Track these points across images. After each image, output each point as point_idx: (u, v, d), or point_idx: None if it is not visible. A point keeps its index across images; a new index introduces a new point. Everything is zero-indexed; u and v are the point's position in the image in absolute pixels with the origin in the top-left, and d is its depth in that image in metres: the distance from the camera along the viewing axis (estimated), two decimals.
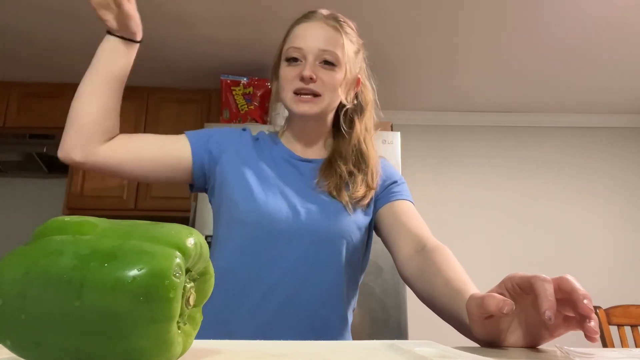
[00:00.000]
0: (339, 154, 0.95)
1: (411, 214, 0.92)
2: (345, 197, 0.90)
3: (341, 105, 0.96)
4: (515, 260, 3.13)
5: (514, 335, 0.55)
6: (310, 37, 0.88)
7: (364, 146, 0.96)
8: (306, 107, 0.88)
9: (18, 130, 2.84)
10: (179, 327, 0.35)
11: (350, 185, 0.92)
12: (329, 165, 0.94)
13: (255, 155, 0.95)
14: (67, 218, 0.37)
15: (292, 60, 0.89)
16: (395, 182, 0.98)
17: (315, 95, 0.88)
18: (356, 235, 0.89)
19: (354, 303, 0.93)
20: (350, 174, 0.93)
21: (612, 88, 2.97)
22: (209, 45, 2.55)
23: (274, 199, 0.87)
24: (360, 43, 0.98)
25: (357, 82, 0.97)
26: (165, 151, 0.89)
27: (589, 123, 3.36)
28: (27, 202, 3.14)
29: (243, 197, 0.87)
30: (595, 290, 3.04)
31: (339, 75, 0.90)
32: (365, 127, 0.98)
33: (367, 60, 1.01)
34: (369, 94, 1.00)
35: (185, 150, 0.91)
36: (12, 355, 0.35)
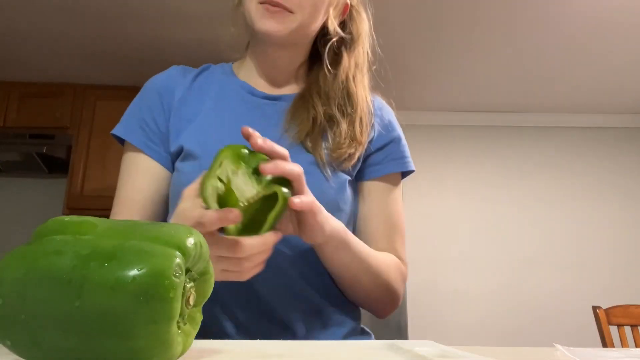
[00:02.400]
0: (317, 89, 0.75)
1: (392, 210, 0.76)
2: (320, 151, 0.71)
3: (322, 34, 0.76)
4: (515, 260, 3.13)
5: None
6: None
7: (352, 85, 0.75)
8: (273, 24, 0.68)
9: (18, 130, 2.85)
10: (179, 327, 0.35)
11: (329, 136, 0.73)
12: (302, 102, 0.74)
13: (197, 98, 0.76)
14: (67, 218, 0.37)
15: None
16: (391, 140, 0.79)
17: (286, 9, 0.68)
18: (335, 205, 0.70)
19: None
20: (331, 118, 0.73)
21: (612, 88, 2.97)
22: (209, 45, 2.54)
23: None
24: None
25: (345, 7, 0.77)
26: (151, 194, 0.73)
27: (589, 123, 3.36)
28: (27, 202, 3.14)
29: (186, 169, 0.70)
30: (595, 290, 3.04)
31: None
32: (355, 63, 0.77)
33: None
34: (363, 25, 0.80)
35: (153, 169, 0.73)
36: (12, 355, 0.35)
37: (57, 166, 2.98)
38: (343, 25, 0.78)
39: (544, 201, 3.25)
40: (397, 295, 0.74)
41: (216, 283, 0.41)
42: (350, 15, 0.79)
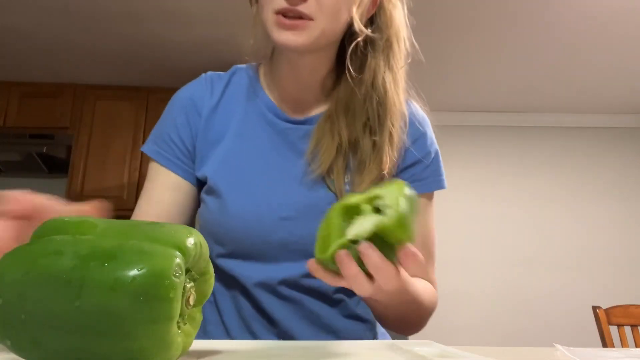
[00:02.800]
0: (343, 106, 0.69)
1: (425, 233, 0.73)
2: (342, 187, 0.66)
3: (349, 33, 0.67)
4: (516, 260, 3.13)
5: None
6: None
7: (381, 93, 0.67)
8: (290, 36, 0.61)
9: (18, 130, 2.85)
10: (179, 327, 0.35)
11: (352, 166, 0.68)
12: (328, 125, 0.68)
13: (222, 121, 0.72)
14: (67, 218, 0.37)
15: None
16: (424, 156, 0.72)
17: (304, 18, 0.61)
18: None
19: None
20: (355, 144, 0.67)
21: (612, 88, 2.97)
22: (209, 45, 2.55)
23: (253, 204, 0.67)
24: None
25: (374, 0, 0.68)
26: (168, 206, 0.72)
27: (589, 123, 3.37)
28: None
29: (214, 213, 0.69)
30: (595, 290, 3.04)
31: None
32: (385, 64, 0.68)
33: None
34: (395, 14, 0.69)
35: (174, 182, 0.72)
36: (12, 355, 0.35)
37: (57, 166, 2.98)
38: (373, 19, 0.69)
39: (544, 201, 3.25)
40: (422, 325, 0.71)
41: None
42: (381, 5, 0.69)
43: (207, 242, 0.79)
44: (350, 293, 0.74)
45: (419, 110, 0.78)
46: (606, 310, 1.57)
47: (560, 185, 3.28)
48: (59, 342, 0.31)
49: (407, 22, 0.72)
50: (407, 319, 0.66)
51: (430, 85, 2.97)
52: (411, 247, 0.42)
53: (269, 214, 0.67)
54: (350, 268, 0.41)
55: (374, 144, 0.67)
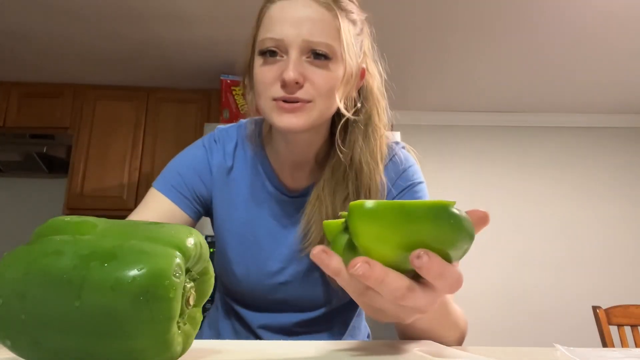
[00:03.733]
0: (329, 185, 0.73)
1: None
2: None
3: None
4: (515, 260, 3.13)
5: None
6: (293, 22, 0.63)
7: (358, 167, 0.72)
8: (292, 120, 0.64)
9: (18, 130, 2.85)
10: (179, 327, 0.35)
11: None
12: (317, 206, 0.73)
13: (237, 187, 0.78)
14: (67, 218, 0.37)
15: (268, 53, 0.65)
16: (402, 189, 0.76)
17: (304, 102, 0.65)
18: (340, 299, 0.78)
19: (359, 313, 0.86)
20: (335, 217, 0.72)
21: (612, 88, 2.97)
22: (209, 45, 2.55)
23: (256, 269, 0.76)
24: (363, 18, 0.73)
25: (362, 74, 0.72)
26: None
27: (589, 123, 3.37)
28: (27, 202, 3.14)
29: (224, 268, 0.79)
30: (595, 290, 3.04)
31: (335, 72, 0.65)
32: (365, 137, 0.73)
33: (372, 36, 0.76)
34: (376, 87, 0.75)
35: (171, 211, 0.75)
36: (12, 355, 0.35)
37: (57, 166, 2.98)
38: (359, 91, 0.74)
39: (544, 201, 3.25)
40: (462, 341, 0.68)
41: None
42: (365, 79, 0.74)
43: (218, 285, 0.82)
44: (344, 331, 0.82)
45: (403, 153, 0.79)
46: (606, 310, 1.57)
47: (560, 185, 3.28)
48: (59, 342, 0.31)
49: (384, 92, 0.76)
50: (440, 337, 0.60)
51: (430, 85, 2.97)
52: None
53: (269, 280, 0.76)
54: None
55: None
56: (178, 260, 0.33)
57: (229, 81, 2.63)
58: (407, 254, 0.35)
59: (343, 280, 0.38)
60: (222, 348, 0.45)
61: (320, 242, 0.72)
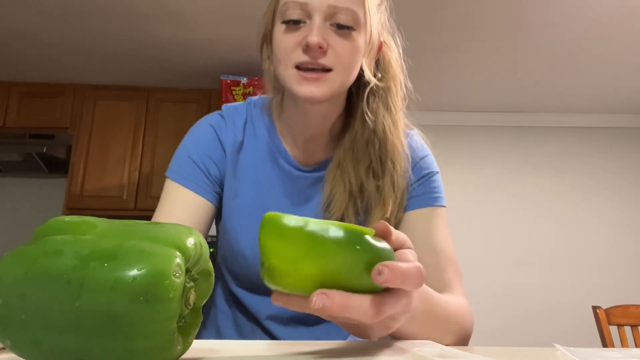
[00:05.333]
0: (350, 153, 0.72)
1: (436, 239, 0.71)
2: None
3: (357, 79, 0.70)
4: (515, 260, 3.13)
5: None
6: None
7: (382, 137, 0.71)
8: (313, 89, 0.63)
9: (18, 130, 2.85)
10: (179, 327, 0.35)
11: (361, 210, 0.71)
12: (339, 174, 0.71)
13: (248, 164, 0.75)
14: (67, 218, 0.37)
15: (291, 22, 0.64)
16: (420, 178, 0.75)
17: (325, 70, 0.64)
18: None
19: None
20: (361, 188, 0.70)
21: (612, 88, 2.97)
22: (209, 45, 2.55)
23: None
24: None
25: (380, 46, 0.72)
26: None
27: (589, 123, 3.37)
28: (27, 202, 3.14)
29: (232, 251, 0.75)
30: (595, 290, 3.04)
31: (358, 42, 0.65)
32: (386, 107, 0.72)
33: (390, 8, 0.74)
34: (394, 60, 0.74)
35: (194, 201, 0.72)
36: (12, 355, 0.35)
37: (57, 166, 2.98)
38: (376, 63, 0.73)
39: (545, 201, 3.25)
40: (468, 338, 0.67)
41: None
42: (382, 51, 0.74)
43: (224, 273, 0.80)
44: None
45: (418, 140, 0.80)
46: (606, 310, 1.57)
47: (560, 185, 3.28)
48: (59, 342, 0.31)
49: (403, 65, 0.76)
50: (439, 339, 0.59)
51: (431, 85, 2.97)
52: (381, 222, 0.41)
53: None
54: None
55: (377, 188, 0.70)
56: (178, 260, 0.33)
57: (229, 81, 2.63)
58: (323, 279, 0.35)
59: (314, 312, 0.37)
60: (222, 348, 0.45)
61: (345, 211, 0.70)
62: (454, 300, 0.66)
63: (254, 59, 2.77)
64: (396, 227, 0.73)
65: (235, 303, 0.79)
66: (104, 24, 2.37)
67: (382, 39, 0.72)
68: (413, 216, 0.74)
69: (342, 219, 0.70)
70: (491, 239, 3.18)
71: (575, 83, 2.91)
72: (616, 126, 3.38)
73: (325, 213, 0.71)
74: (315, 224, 0.36)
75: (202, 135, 0.76)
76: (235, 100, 2.62)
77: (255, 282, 0.74)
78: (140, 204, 2.77)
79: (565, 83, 2.91)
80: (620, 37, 2.40)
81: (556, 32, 2.37)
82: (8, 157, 2.86)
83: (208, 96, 2.92)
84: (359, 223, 0.70)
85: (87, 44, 2.56)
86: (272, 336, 0.76)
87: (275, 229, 0.36)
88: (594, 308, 1.57)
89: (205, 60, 2.68)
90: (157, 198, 2.80)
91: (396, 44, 0.75)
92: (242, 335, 0.78)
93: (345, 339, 0.78)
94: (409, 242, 0.44)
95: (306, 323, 0.76)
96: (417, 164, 0.76)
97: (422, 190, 0.75)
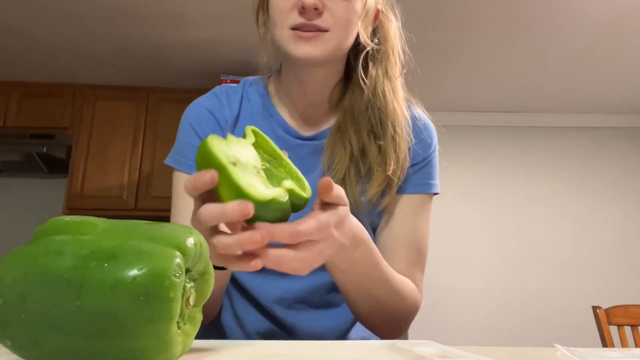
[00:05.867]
0: (350, 116, 0.71)
1: (418, 233, 0.73)
2: (355, 194, 0.69)
3: (353, 44, 0.70)
4: (515, 260, 3.13)
5: None
6: None
7: (381, 101, 0.71)
8: (309, 49, 0.63)
9: (18, 130, 2.85)
10: (179, 327, 0.35)
11: (363, 171, 0.70)
12: (339, 136, 0.71)
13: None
14: (67, 218, 0.37)
15: None
16: (423, 159, 0.76)
17: (321, 30, 0.64)
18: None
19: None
20: (363, 150, 0.70)
21: (612, 88, 2.97)
22: (209, 45, 2.55)
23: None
24: None
25: (376, 14, 0.72)
26: None
27: (589, 123, 3.37)
28: (27, 202, 3.14)
29: None
30: (595, 290, 3.04)
31: (354, 3, 0.65)
32: (385, 74, 0.72)
33: None
34: (391, 27, 0.74)
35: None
36: (12, 355, 0.35)
37: (57, 166, 2.98)
38: (373, 32, 0.73)
39: (544, 201, 3.25)
40: (401, 327, 0.70)
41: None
42: (380, 21, 0.74)
43: None
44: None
45: (423, 115, 0.80)
46: (606, 310, 1.57)
47: (560, 185, 3.28)
48: (59, 342, 0.31)
49: (402, 34, 0.75)
50: (371, 297, 0.64)
51: (431, 85, 2.97)
52: (325, 179, 0.46)
53: None
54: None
55: (379, 148, 0.70)
56: (178, 260, 0.33)
57: (229, 81, 2.63)
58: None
59: None
60: (222, 348, 0.45)
61: (347, 174, 0.69)
62: (406, 280, 0.69)
63: (254, 59, 2.77)
64: (395, 191, 0.72)
65: (237, 290, 0.76)
66: (104, 24, 2.36)
67: (378, 6, 0.72)
68: (404, 200, 0.74)
69: (343, 181, 0.69)
70: (491, 239, 3.18)
71: (575, 83, 2.91)
72: (616, 126, 3.37)
73: (326, 175, 0.70)
74: (240, 171, 0.41)
75: (200, 119, 0.74)
76: None
77: None
78: (140, 204, 2.77)
79: (565, 83, 2.91)
80: (620, 37, 2.40)
81: (556, 32, 2.37)
82: (8, 157, 2.86)
83: None
84: (361, 186, 0.70)
85: (87, 44, 2.56)
86: (274, 319, 0.74)
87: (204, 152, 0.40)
88: (594, 308, 1.57)
89: (205, 60, 2.68)
90: (157, 198, 2.80)
91: (395, 15, 0.75)
92: (239, 320, 0.76)
93: (349, 321, 0.76)
94: (344, 200, 0.49)
95: (312, 306, 0.74)
96: (422, 139, 0.76)
97: (419, 176, 0.75)
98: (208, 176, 0.40)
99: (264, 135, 0.49)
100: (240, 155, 0.43)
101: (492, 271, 3.11)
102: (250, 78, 0.81)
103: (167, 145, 2.83)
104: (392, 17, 0.75)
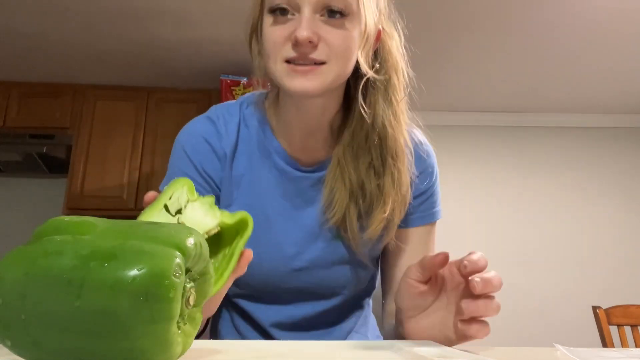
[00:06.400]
0: (350, 150, 0.68)
1: (417, 258, 0.72)
2: (356, 235, 0.68)
3: (354, 70, 0.65)
4: (515, 260, 3.13)
5: (430, 318, 0.55)
6: None
7: (382, 132, 0.67)
8: (305, 82, 0.59)
9: (18, 130, 2.85)
10: (179, 327, 0.35)
11: (362, 210, 0.68)
12: (339, 172, 0.68)
13: (243, 167, 0.71)
14: (67, 218, 0.37)
15: (278, 11, 0.59)
16: (425, 191, 0.75)
17: (317, 63, 0.59)
18: (363, 279, 0.75)
19: (366, 310, 0.83)
20: (362, 188, 0.67)
21: (612, 88, 2.97)
22: (209, 45, 2.55)
23: (268, 255, 0.69)
24: None
25: (378, 35, 0.67)
26: None
27: (589, 123, 3.37)
28: (27, 202, 3.14)
29: None
30: (595, 290, 3.04)
31: (351, 31, 0.60)
32: (387, 99, 0.67)
33: None
34: (395, 47, 0.69)
35: None
36: (12, 355, 0.35)
37: (57, 166, 2.98)
38: (375, 53, 0.68)
39: (544, 201, 3.25)
40: None
41: None
42: (382, 40, 0.69)
43: None
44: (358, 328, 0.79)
45: (424, 139, 0.77)
46: (606, 310, 1.56)
47: (560, 185, 3.28)
48: (59, 342, 0.31)
49: (404, 52, 0.71)
50: None
51: (431, 85, 2.97)
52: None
53: (283, 266, 0.70)
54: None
55: (378, 186, 0.67)
56: (178, 260, 0.33)
57: (229, 81, 2.63)
58: None
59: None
60: (222, 348, 0.45)
61: (346, 213, 0.67)
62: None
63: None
64: (398, 228, 0.72)
65: (236, 310, 0.77)
66: (104, 24, 2.36)
67: (380, 26, 0.67)
68: (410, 234, 0.74)
69: (343, 220, 0.68)
70: (491, 239, 3.18)
71: (575, 83, 2.91)
72: (616, 126, 3.37)
73: (326, 214, 0.69)
74: None
75: (196, 149, 0.70)
76: None
77: (257, 291, 0.73)
78: (140, 204, 2.77)
79: (565, 83, 2.91)
80: (621, 37, 2.40)
81: (556, 32, 2.37)
82: (8, 157, 2.86)
83: (208, 96, 2.92)
84: (361, 222, 0.69)
85: (87, 44, 2.56)
86: (273, 340, 0.75)
87: None
88: (594, 308, 1.57)
89: (205, 60, 2.68)
90: None
91: (397, 30, 0.70)
92: (241, 335, 0.77)
93: (344, 337, 0.78)
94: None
95: (311, 329, 0.75)
96: (422, 171, 0.74)
97: (424, 208, 0.75)
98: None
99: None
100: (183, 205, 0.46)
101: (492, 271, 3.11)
102: (247, 97, 0.77)
103: (167, 145, 2.82)
104: (394, 33, 0.70)
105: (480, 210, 3.22)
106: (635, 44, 2.46)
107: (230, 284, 0.48)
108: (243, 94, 2.65)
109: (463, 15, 2.25)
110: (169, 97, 2.95)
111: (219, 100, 2.72)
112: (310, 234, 0.70)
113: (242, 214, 0.46)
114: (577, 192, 3.27)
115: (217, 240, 0.47)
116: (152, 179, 2.80)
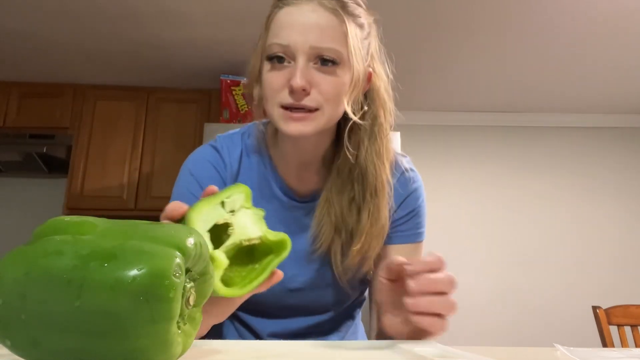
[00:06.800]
0: (337, 188, 0.74)
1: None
2: (337, 263, 0.74)
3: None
4: (516, 260, 3.13)
5: (400, 314, 0.56)
6: (299, 28, 0.64)
7: (363, 166, 0.72)
8: (299, 127, 0.65)
9: (18, 130, 2.84)
10: (179, 327, 0.35)
11: (344, 243, 0.74)
12: (326, 209, 0.74)
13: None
14: (67, 218, 0.37)
15: (276, 59, 0.65)
16: (406, 214, 0.78)
17: (310, 110, 0.66)
18: (353, 297, 0.81)
19: (356, 318, 0.88)
20: (344, 221, 0.73)
21: (612, 88, 2.97)
22: (209, 45, 2.54)
23: None
24: (371, 21, 0.72)
25: (369, 77, 0.72)
26: None
27: (589, 123, 3.36)
28: (27, 202, 3.14)
29: None
30: (595, 290, 3.04)
31: (342, 78, 0.66)
32: (372, 137, 0.72)
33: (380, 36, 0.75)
34: (383, 88, 0.74)
35: None
36: (12, 355, 0.35)
37: (57, 166, 2.98)
38: (364, 96, 0.73)
39: (544, 201, 3.25)
40: None
41: None
42: (372, 81, 0.74)
43: None
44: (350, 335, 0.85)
45: (411, 168, 0.81)
46: (606, 310, 1.57)
47: (560, 185, 3.28)
48: (59, 342, 0.31)
49: (391, 93, 0.76)
50: None
51: (430, 85, 2.97)
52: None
53: (279, 286, 0.75)
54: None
55: (357, 221, 0.72)
56: (178, 260, 0.33)
57: (229, 81, 2.63)
58: None
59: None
60: (222, 348, 0.45)
61: (331, 244, 0.73)
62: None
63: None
64: (377, 259, 0.76)
65: (238, 320, 0.82)
66: (104, 24, 2.36)
67: (370, 69, 0.72)
68: (395, 250, 0.77)
69: (328, 251, 0.74)
70: (491, 239, 3.18)
71: (575, 83, 2.91)
72: (616, 126, 3.37)
73: (314, 245, 0.75)
74: None
75: (202, 172, 0.76)
76: (235, 100, 2.62)
77: (255, 306, 0.77)
78: (140, 204, 2.77)
79: (565, 83, 2.91)
80: (621, 37, 2.40)
81: (556, 32, 2.37)
82: (8, 157, 2.86)
83: (208, 96, 2.92)
84: (342, 254, 0.74)
85: (87, 44, 2.56)
86: None
87: None
88: (594, 308, 1.57)
89: (205, 60, 2.68)
90: (157, 198, 2.80)
91: (386, 72, 0.75)
92: (242, 338, 0.81)
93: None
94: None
95: (305, 339, 0.79)
96: (405, 199, 0.78)
97: (407, 227, 0.78)
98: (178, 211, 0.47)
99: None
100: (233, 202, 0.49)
101: (492, 271, 3.11)
102: (249, 128, 0.82)
103: (167, 145, 2.83)
104: (383, 74, 0.75)
105: (479, 210, 3.22)
106: (636, 43, 2.46)
107: (250, 294, 0.50)
108: (243, 93, 2.65)
109: (464, 16, 2.25)
110: (169, 97, 2.95)
111: (219, 100, 2.72)
112: (303, 259, 0.76)
113: (283, 236, 0.49)
114: (576, 192, 3.27)
115: (251, 252, 0.50)
116: (152, 179, 2.80)
